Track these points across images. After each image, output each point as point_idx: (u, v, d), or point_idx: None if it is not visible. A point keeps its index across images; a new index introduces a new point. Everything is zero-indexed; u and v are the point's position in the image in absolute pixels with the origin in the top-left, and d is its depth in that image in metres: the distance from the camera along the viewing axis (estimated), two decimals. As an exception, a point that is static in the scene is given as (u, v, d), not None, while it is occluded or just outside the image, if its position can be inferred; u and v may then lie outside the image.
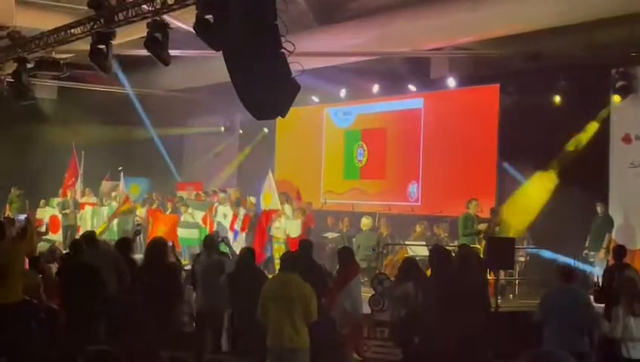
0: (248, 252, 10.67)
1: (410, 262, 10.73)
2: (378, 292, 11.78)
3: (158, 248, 10.00)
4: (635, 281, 9.41)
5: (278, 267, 14.12)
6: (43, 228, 18.08)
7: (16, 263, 9.67)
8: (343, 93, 21.02)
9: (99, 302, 9.34)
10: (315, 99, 21.38)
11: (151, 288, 9.69)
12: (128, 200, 19.87)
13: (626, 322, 8.68)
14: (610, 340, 8.65)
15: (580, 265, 14.24)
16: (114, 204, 20.80)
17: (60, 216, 20.90)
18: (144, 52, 13.30)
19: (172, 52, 13.36)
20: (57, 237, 20.76)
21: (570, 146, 16.16)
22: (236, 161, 24.86)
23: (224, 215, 17.94)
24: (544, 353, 3.18)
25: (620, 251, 12.16)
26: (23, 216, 18.51)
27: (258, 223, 17.58)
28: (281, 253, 10.55)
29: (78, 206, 20.93)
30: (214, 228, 17.59)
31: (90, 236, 11.07)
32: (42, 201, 22.21)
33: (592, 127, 16.02)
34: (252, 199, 18.66)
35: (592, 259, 15.03)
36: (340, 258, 10.34)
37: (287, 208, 17.73)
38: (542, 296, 9.75)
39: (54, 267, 11.80)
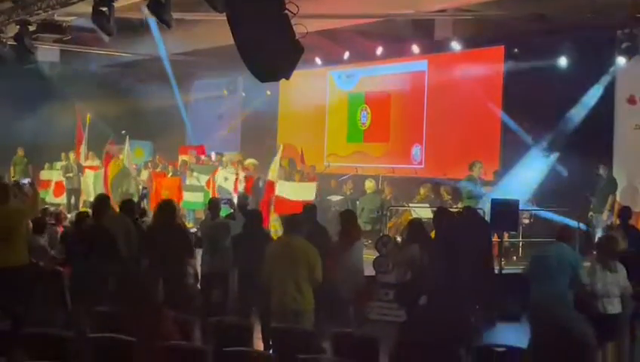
0: (255, 214, 10.69)
1: (416, 224, 10.74)
2: (382, 255, 11.83)
3: (168, 210, 10.02)
4: (616, 239, 9.45)
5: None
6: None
7: (20, 226, 9.67)
8: (346, 55, 20.91)
9: (111, 265, 9.39)
10: (319, 62, 21.27)
11: (161, 249, 9.71)
12: (112, 158, 19.77)
13: (603, 278, 8.75)
14: (589, 296, 8.72)
15: (584, 227, 14.28)
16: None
17: (64, 180, 20.95)
18: (147, 15, 13.26)
19: (175, 15, 13.32)
20: (61, 200, 20.82)
21: (576, 108, 16.10)
22: (237, 123, 24.83)
23: (225, 178, 17.91)
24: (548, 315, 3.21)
25: (625, 213, 12.18)
26: (26, 180, 18.55)
27: (265, 192, 17.52)
28: (284, 217, 10.54)
29: (82, 169, 20.94)
30: (217, 192, 17.58)
31: (105, 200, 11.04)
32: (47, 165, 22.25)
33: (597, 89, 15.94)
34: (254, 161, 18.61)
35: (595, 221, 15.03)
36: (341, 221, 10.33)
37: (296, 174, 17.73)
38: (533, 254, 9.92)
39: (59, 230, 11.87)
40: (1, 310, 8.88)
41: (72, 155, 21.32)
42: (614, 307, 8.80)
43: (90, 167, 21.09)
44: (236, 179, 17.72)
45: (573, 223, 12.82)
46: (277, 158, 17.44)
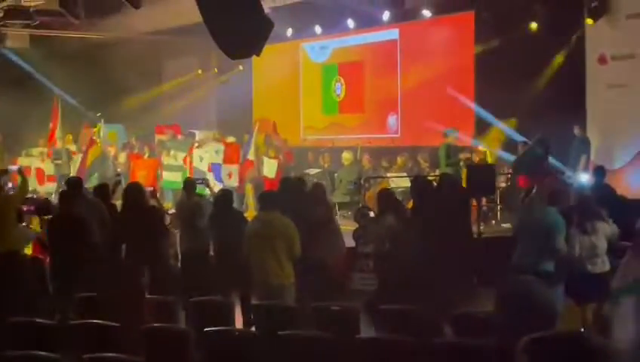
0: (226, 194, 10.72)
1: (386, 194, 10.76)
2: (361, 226, 11.89)
3: (134, 193, 10.05)
4: (591, 200, 9.54)
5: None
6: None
7: (9, 214, 9.86)
8: (317, 27, 20.84)
9: (85, 251, 9.40)
10: (291, 35, 21.20)
11: (130, 233, 9.76)
12: (94, 142, 19.62)
13: (582, 241, 8.85)
14: (574, 259, 8.83)
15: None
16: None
17: (43, 167, 20.71)
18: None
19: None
20: (45, 188, 20.55)
21: (546, 70, 16.17)
22: (212, 100, 24.74)
23: (200, 158, 17.86)
24: (512, 279, 3.26)
25: (598, 172, 12.28)
26: (15, 167, 18.38)
27: (241, 167, 17.53)
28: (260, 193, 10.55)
29: (71, 155, 20.67)
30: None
31: (76, 184, 11.00)
32: (24, 152, 22.05)
33: (565, 52, 16.02)
34: (232, 138, 18.57)
35: (571, 181, 15.13)
36: (313, 195, 10.36)
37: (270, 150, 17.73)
38: (519, 215, 10.01)
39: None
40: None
41: (60, 142, 20.97)
42: (597, 266, 8.90)
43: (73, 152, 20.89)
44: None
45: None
46: (254, 138, 17.47)
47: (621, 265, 9.32)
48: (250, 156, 17.44)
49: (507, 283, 3.21)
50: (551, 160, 14.68)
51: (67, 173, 19.65)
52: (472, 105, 17.55)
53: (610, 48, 15.46)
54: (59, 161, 20.21)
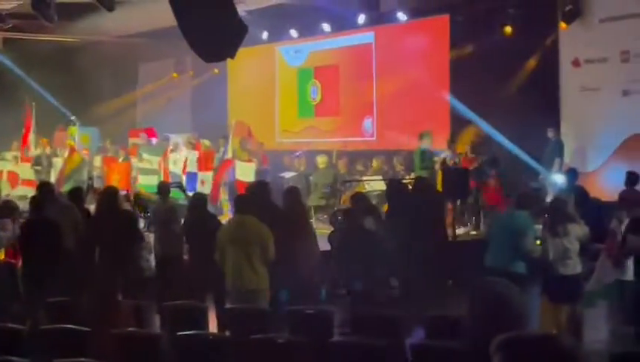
0: (199, 198, 10.68)
1: (359, 198, 10.78)
2: (337, 229, 11.88)
3: (108, 197, 10.00)
4: (563, 203, 9.62)
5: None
6: None
7: None
8: (293, 31, 20.84)
9: (58, 256, 9.32)
10: (266, 38, 21.16)
11: (104, 237, 9.69)
12: (75, 151, 19.47)
13: (554, 243, 8.91)
14: (547, 261, 8.91)
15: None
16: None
17: (17, 170, 20.48)
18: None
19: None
20: (21, 192, 20.27)
21: (520, 74, 16.25)
22: (187, 103, 24.65)
23: (174, 162, 17.77)
24: (481, 281, 3.26)
25: (571, 174, 12.37)
26: None
27: (219, 168, 17.48)
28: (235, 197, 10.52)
29: (51, 161, 20.35)
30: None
31: (49, 189, 10.92)
32: (-2, 154, 21.84)
33: (537, 53, 16.10)
34: (206, 142, 18.52)
35: (545, 184, 15.21)
36: (284, 199, 10.34)
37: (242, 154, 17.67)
38: (490, 219, 10.11)
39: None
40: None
41: (39, 148, 20.69)
42: (569, 268, 8.96)
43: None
44: (185, 161, 17.56)
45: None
46: (231, 137, 17.41)
47: (596, 267, 9.42)
48: (229, 155, 17.40)
49: (477, 285, 3.20)
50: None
51: (48, 178, 19.41)
52: (448, 108, 17.60)
53: (584, 52, 15.56)
54: (38, 168, 19.95)
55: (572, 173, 12.40)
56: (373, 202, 15.70)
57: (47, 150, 20.86)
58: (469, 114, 16.53)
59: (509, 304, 3.09)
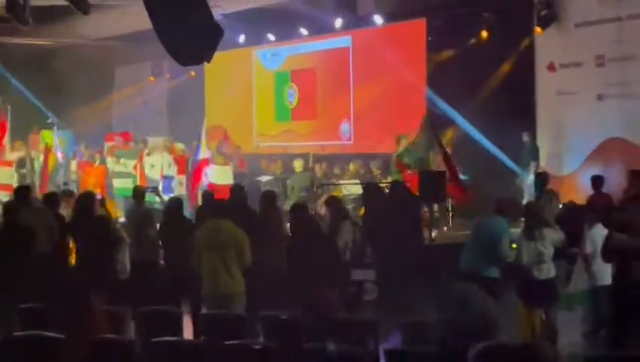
0: (175, 202, 10.65)
1: (335, 201, 10.78)
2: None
3: (84, 202, 9.94)
4: (537, 206, 9.67)
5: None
6: None
7: None
8: (270, 34, 20.83)
9: (32, 261, 9.25)
10: (243, 41, 21.13)
11: (84, 241, 9.63)
12: (50, 152, 19.30)
13: (528, 247, 8.95)
14: (521, 266, 8.96)
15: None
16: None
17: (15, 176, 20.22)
18: (63, 2, 13.04)
19: (91, 0, 13.13)
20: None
21: (495, 78, 16.33)
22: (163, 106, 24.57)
23: (151, 165, 17.69)
24: (452, 289, 3.26)
25: (541, 178, 12.44)
26: None
27: (194, 170, 17.47)
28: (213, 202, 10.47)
29: (33, 163, 20.10)
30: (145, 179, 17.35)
31: (24, 193, 10.83)
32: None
33: (513, 57, 16.18)
34: (180, 145, 18.46)
35: (521, 188, 15.30)
36: (260, 203, 10.33)
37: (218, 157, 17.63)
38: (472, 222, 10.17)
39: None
40: None
41: (23, 148, 20.45)
42: (543, 272, 8.99)
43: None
44: (161, 164, 17.50)
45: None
46: (203, 138, 17.37)
47: (574, 271, 9.49)
48: (201, 156, 17.36)
49: (444, 290, 3.21)
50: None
51: (32, 181, 19.18)
52: (425, 112, 17.64)
53: (559, 56, 15.67)
54: (23, 170, 19.69)
55: (541, 177, 12.49)
56: (350, 206, 15.77)
57: (32, 152, 20.62)
58: (448, 116, 16.61)
59: (473, 309, 3.09)
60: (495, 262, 9.13)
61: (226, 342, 6.58)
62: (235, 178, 16.63)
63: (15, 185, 18.71)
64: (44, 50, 22.74)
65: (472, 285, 3.21)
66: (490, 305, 3.12)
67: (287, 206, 15.97)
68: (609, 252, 8.57)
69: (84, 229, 9.67)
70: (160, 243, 10.31)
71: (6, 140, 21.14)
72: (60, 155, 20.11)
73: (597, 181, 12.16)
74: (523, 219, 9.76)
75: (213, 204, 9.82)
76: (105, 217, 10.42)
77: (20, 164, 19.68)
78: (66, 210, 10.89)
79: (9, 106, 21.29)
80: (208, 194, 11.33)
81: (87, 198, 10.12)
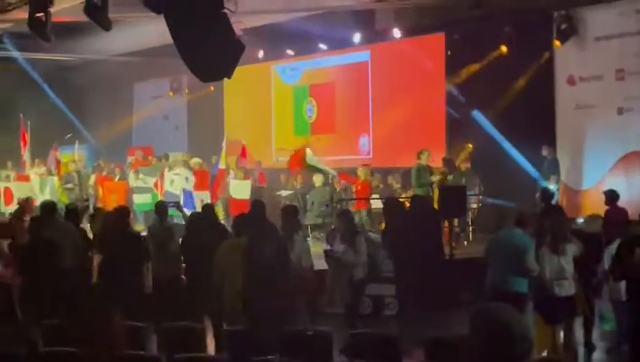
0: (197, 217, 10.63)
1: (346, 216, 10.74)
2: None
3: (119, 217, 9.91)
4: (562, 222, 9.59)
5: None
6: None
7: None
8: (289, 49, 20.90)
9: (57, 276, 9.29)
10: (262, 56, 21.22)
11: (116, 256, 9.59)
12: (59, 162, 19.31)
13: (551, 261, 8.88)
14: (543, 281, 8.87)
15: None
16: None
17: (12, 187, 20.37)
18: (84, 18, 13.11)
19: (112, 16, 13.20)
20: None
21: (515, 92, 16.30)
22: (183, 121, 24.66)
23: (171, 181, 17.72)
24: (483, 308, 3.25)
25: (545, 195, 12.42)
26: None
27: (214, 181, 17.49)
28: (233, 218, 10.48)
29: (80, 179, 20.05)
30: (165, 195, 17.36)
31: (50, 208, 10.87)
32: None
33: (532, 71, 16.14)
34: (198, 160, 18.50)
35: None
36: (281, 217, 10.29)
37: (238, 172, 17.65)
38: (489, 239, 10.07)
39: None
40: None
41: (72, 165, 20.42)
42: (564, 289, 8.91)
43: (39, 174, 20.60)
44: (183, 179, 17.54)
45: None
46: (223, 150, 17.38)
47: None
48: (221, 166, 17.37)
49: (477, 311, 3.19)
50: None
51: (79, 196, 19.15)
52: (444, 126, 17.66)
53: (579, 70, 15.62)
54: (70, 185, 19.67)
55: (545, 193, 12.47)
56: (370, 220, 15.79)
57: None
58: (467, 129, 16.62)
59: (510, 331, 3.08)
60: (524, 277, 9.03)
61: (251, 359, 6.58)
62: (254, 192, 16.63)
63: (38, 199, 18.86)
64: (65, 65, 22.90)
65: (505, 305, 3.19)
66: (526, 324, 3.11)
67: (307, 221, 16.10)
68: (620, 270, 8.54)
69: (115, 244, 9.64)
70: (182, 258, 10.31)
71: (26, 155, 21.31)
72: (82, 170, 20.09)
73: (610, 195, 12.11)
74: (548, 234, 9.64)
75: (236, 219, 9.79)
76: (138, 233, 10.44)
77: (68, 179, 19.67)
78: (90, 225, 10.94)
79: (29, 121, 21.48)
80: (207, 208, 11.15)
81: (121, 214, 10.08)
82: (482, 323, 3.10)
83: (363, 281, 10.20)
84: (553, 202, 12.56)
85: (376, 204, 15.74)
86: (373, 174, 17.26)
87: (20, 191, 20.02)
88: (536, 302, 8.96)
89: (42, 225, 9.93)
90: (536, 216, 10.92)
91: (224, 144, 17.96)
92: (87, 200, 17.07)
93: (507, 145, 16.18)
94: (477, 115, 16.64)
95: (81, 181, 19.49)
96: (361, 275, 10.11)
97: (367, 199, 16.37)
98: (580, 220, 13.25)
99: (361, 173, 16.81)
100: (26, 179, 20.40)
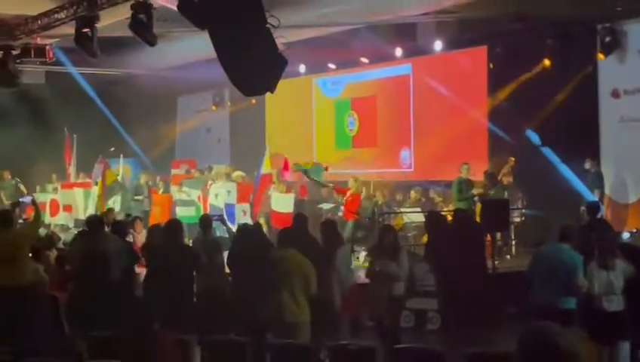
0: (245, 230, 10.70)
1: (390, 230, 10.73)
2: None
3: (177, 229, 9.99)
4: (610, 236, 9.46)
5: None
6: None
7: (23, 249, 10.00)
8: (330, 63, 20.98)
9: (106, 289, 9.41)
10: (303, 70, 21.32)
11: (169, 269, 9.67)
12: (107, 170, 19.45)
13: (599, 276, 8.77)
14: (591, 296, 8.75)
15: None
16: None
17: (58, 199, 20.58)
18: (128, 33, 13.31)
19: (157, 31, 13.38)
20: (59, 220, 20.39)
21: (558, 105, 16.20)
22: (226, 135, 24.80)
23: (216, 195, 17.81)
24: (533, 328, 3.23)
25: (591, 208, 12.30)
26: (28, 198, 18.40)
27: (257, 192, 17.47)
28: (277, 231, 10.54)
29: (150, 191, 20.17)
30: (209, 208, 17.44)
31: (98, 220, 11.02)
32: (38, 187, 22.11)
33: (575, 84, 16.02)
34: (241, 173, 18.58)
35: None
36: (322, 231, 10.32)
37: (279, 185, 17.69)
38: (533, 253, 9.96)
39: (52, 254, 11.84)
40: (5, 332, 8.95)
41: (144, 176, 20.60)
42: (613, 305, 8.80)
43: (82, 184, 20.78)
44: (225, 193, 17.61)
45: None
46: (266, 155, 17.40)
47: None
48: (263, 171, 17.35)
49: (526, 331, 3.17)
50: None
51: (147, 209, 19.32)
52: (486, 140, 17.60)
53: (623, 82, 15.49)
54: (139, 197, 19.87)
55: (593, 206, 12.34)
56: (412, 234, 15.77)
57: (148, 178, 20.82)
58: (510, 143, 16.54)
59: (559, 351, 3.07)
60: (573, 294, 8.92)
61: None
62: (296, 206, 16.67)
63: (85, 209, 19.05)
64: (109, 79, 23.18)
65: (554, 325, 3.17)
66: (575, 343, 3.10)
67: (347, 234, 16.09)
68: None
69: (170, 258, 9.71)
70: (227, 271, 10.38)
71: (71, 168, 21.60)
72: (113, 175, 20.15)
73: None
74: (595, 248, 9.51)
75: (281, 232, 9.85)
76: (192, 247, 10.52)
77: (137, 191, 19.85)
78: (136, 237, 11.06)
79: (75, 135, 21.78)
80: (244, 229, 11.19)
81: (176, 226, 10.15)
82: (533, 344, 3.08)
83: (403, 296, 10.21)
84: (599, 216, 12.40)
85: (418, 217, 15.69)
86: (363, 186, 17.23)
87: (65, 199, 20.30)
88: (583, 318, 8.83)
89: (90, 238, 10.06)
90: (581, 230, 10.80)
91: (267, 153, 17.97)
92: (129, 215, 17.07)
93: (551, 158, 16.07)
94: (521, 128, 16.54)
95: (125, 194, 19.65)
96: (402, 290, 10.12)
97: (408, 213, 16.32)
98: (626, 234, 13.17)
99: (352, 184, 16.83)
100: (71, 186, 20.56)
